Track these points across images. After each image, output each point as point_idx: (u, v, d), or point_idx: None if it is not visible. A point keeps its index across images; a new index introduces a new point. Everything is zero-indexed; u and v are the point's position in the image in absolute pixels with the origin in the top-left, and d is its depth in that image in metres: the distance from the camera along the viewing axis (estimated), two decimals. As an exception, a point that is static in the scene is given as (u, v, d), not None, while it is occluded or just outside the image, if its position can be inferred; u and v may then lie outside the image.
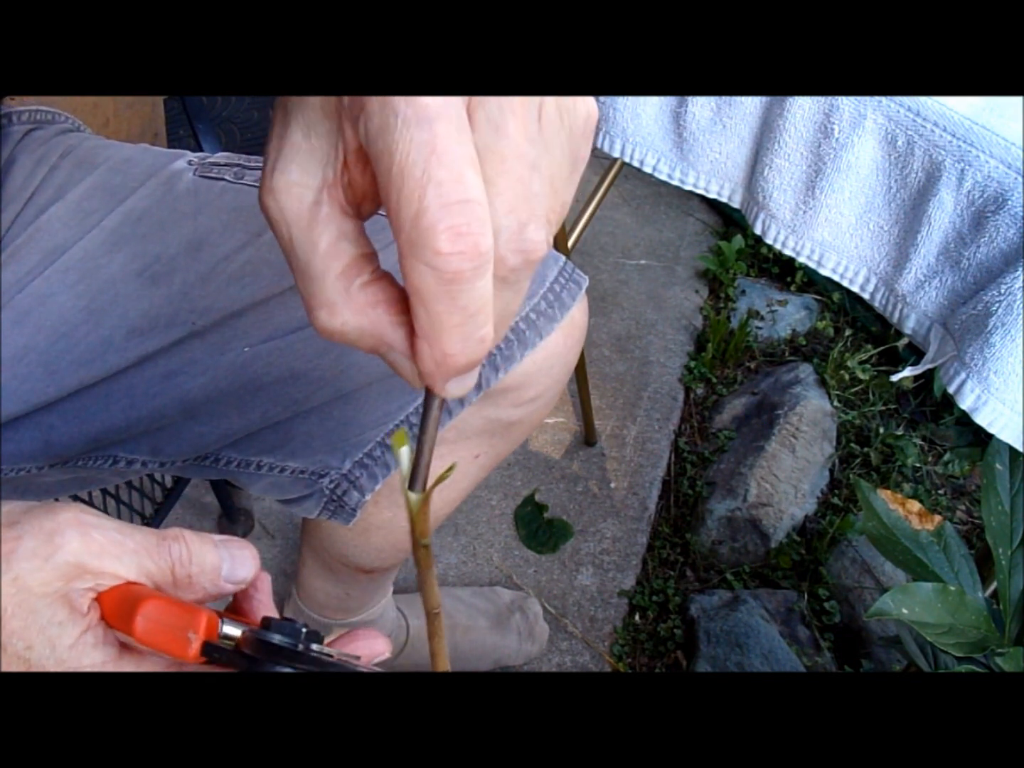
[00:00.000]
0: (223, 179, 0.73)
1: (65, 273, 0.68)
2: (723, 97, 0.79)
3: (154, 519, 1.11)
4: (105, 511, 1.01)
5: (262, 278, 0.69)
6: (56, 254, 0.69)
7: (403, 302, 0.29)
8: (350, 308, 0.29)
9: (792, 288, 2.03)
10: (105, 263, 0.69)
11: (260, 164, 0.74)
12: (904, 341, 1.82)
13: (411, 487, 0.31)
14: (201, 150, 1.09)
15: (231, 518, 1.49)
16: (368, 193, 0.29)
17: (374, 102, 0.25)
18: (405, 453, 0.31)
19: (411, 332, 0.28)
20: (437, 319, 0.27)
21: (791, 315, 1.96)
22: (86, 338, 0.68)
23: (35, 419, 0.69)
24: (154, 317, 0.68)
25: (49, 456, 0.71)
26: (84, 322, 0.68)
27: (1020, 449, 0.74)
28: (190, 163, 0.74)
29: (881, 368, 1.83)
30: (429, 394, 0.31)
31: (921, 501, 1.17)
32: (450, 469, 0.30)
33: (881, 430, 1.71)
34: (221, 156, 0.76)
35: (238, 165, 0.74)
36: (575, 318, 0.77)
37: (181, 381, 0.69)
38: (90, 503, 0.99)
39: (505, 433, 0.83)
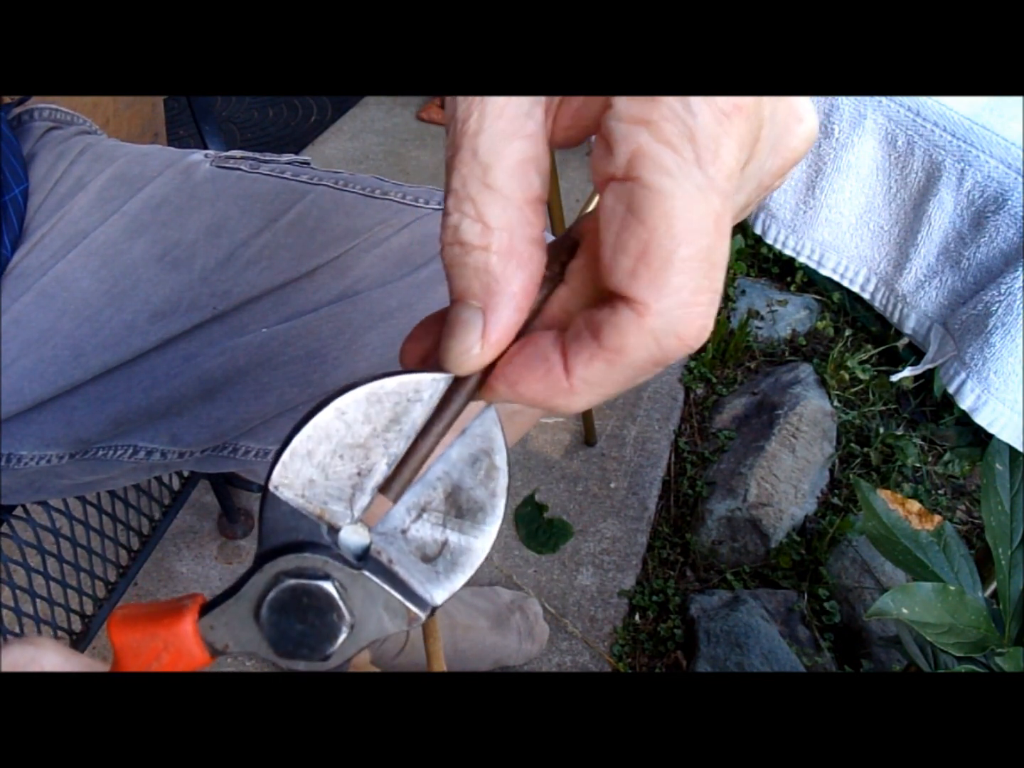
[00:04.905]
0: (239, 169, 0.75)
1: (88, 258, 0.70)
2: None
3: (161, 523, 1.11)
4: (113, 514, 1.01)
5: (279, 261, 0.71)
6: (78, 238, 0.71)
7: (537, 281, 0.25)
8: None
9: (792, 288, 2.03)
10: (126, 248, 0.71)
11: (274, 159, 0.77)
12: (904, 341, 1.82)
13: (383, 491, 0.27)
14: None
15: (231, 518, 1.49)
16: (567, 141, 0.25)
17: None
18: None
19: (517, 314, 0.24)
20: (603, 376, 0.23)
21: (791, 315, 1.96)
22: (110, 322, 0.69)
23: (59, 401, 0.70)
24: (176, 301, 0.70)
25: (71, 440, 0.72)
26: (107, 306, 0.70)
27: (1020, 449, 0.73)
28: (206, 155, 0.77)
29: (881, 368, 1.83)
30: (457, 388, 0.26)
31: (921, 501, 1.17)
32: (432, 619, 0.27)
33: (881, 430, 1.71)
34: (235, 152, 0.79)
35: (252, 159, 0.77)
36: None
37: (200, 361, 0.71)
38: (98, 507, 0.99)
39: (505, 424, 0.85)
